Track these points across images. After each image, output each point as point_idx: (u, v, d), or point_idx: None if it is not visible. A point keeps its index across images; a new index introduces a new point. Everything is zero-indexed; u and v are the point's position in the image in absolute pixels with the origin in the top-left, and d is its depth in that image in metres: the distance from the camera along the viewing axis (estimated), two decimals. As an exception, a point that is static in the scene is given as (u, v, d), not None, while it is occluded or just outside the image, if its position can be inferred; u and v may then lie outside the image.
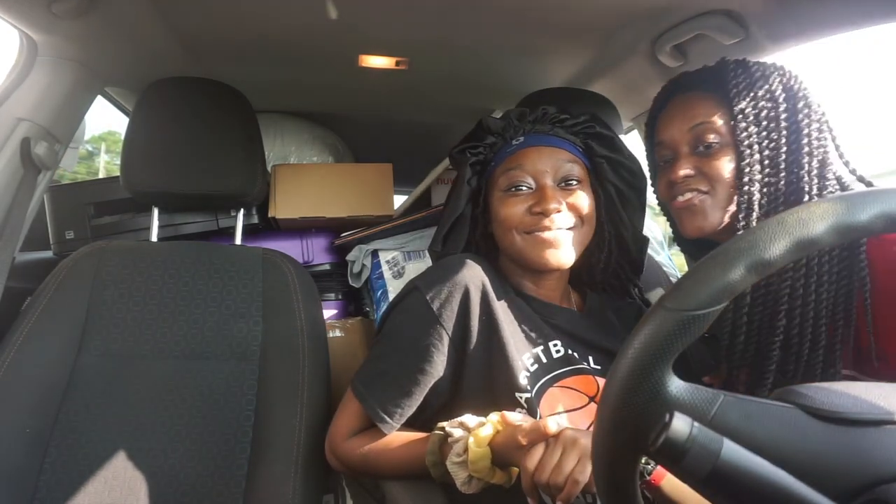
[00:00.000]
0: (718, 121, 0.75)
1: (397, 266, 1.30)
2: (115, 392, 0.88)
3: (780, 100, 0.73)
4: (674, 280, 1.25)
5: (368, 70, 1.23)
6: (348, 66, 1.22)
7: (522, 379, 0.73)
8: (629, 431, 0.39)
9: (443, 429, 0.69)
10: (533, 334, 0.78)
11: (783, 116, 0.72)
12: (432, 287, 0.76)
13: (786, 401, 0.40)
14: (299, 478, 0.84)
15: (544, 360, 0.76)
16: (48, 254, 1.27)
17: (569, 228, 0.78)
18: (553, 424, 0.61)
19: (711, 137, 0.75)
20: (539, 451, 0.60)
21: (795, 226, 0.36)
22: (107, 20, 0.96)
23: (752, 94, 0.73)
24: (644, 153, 0.91)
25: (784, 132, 0.72)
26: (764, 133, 0.72)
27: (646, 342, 0.38)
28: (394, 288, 1.29)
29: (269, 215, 1.31)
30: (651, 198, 0.91)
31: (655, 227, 1.62)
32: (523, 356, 0.75)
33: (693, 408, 0.38)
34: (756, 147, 0.72)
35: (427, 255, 1.31)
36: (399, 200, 1.61)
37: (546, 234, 0.77)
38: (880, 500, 0.35)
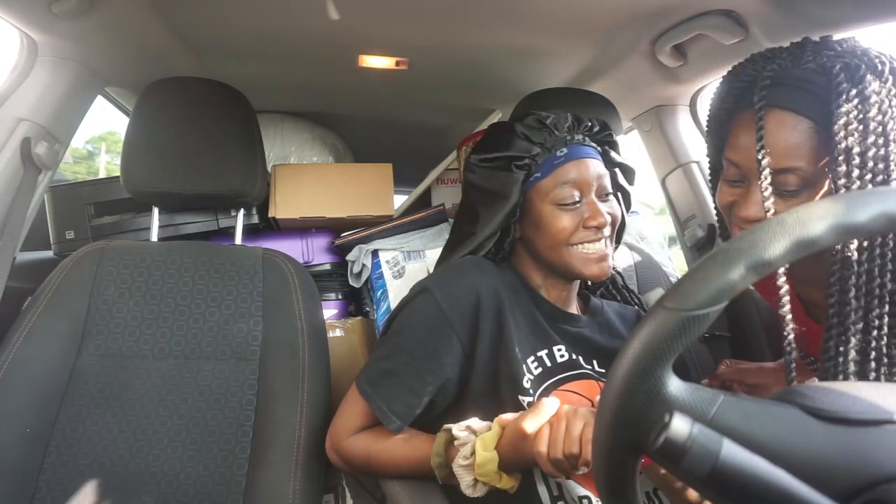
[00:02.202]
0: (809, 163, 0.62)
1: (397, 266, 1.30)
2: (115, 392, 0.88)
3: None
4: (674, 280, 1.25)
5: (368, 70, 1.23)
6: (348, 66, 1.22)
7: (526, 382, 0.73)
8: (629, 431, 0.39)
9: (449, 430, 0.69)
10: (538, 338, 0.78)
11: (893, 155, 0.58)
12: (444, 289, 0.76)
13: (786, 401, 0.40)
14: (299, 478, 0.84)
15: (548, 363, 0.76)
16: (48, 254, 1.27)
17: (608, 238, 0.80)
18: (551, 405, 0.62)
19: (795, 182, 0.62)
20: (545, 431, 0.61)
21: (795, 226, 0.36)
22: (107, 20, 0.96)
23: (861, 125, 0.58)
24: (646, 153, 0.90)
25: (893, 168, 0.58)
26: (869, 177, 0.58)
27: (646, 342, 0.38)
28: (394, 288, 1.29)
29: (269, 215, 1.31)
30: (651, 198, 0.91)
31: (655, 227, 1.62)
32: (528, 359, 0.75)
33: (693, 408, 0.38)
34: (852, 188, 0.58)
35: (427, 255, 1.31)
36: (399, 200, 1.61)
37: (596, 249, 0.78)
38: (881, 500, 0.35)
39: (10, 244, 0.93)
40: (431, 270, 1.29)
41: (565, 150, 0.80)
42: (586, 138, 0.83)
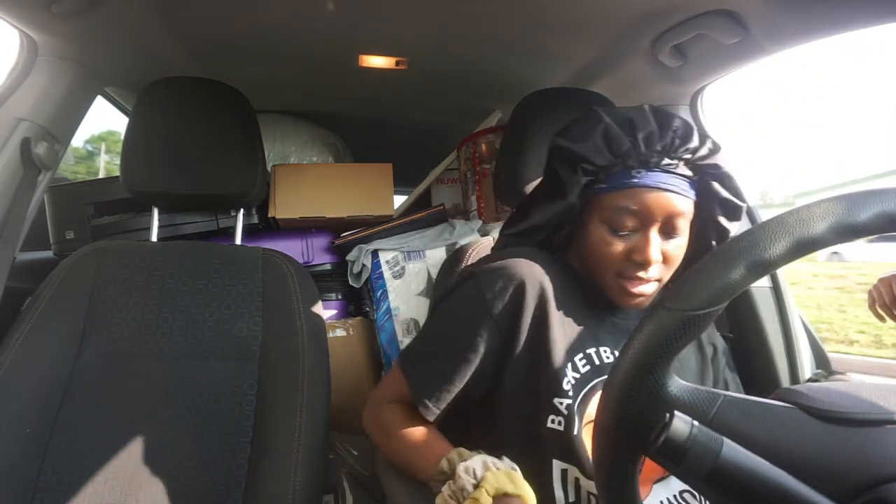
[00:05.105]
0: None
1: (397, 266, 1.30)
2: (114, 392, 0.88)
3: None
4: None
5: (368, 70, 1.23)
6: (348, 66, 1.22)
7: (566, 384, 0.71)
8: (629, 431, 0.39)
9: (454, 461, 0.66)
10: (584, 338, 0.75)
11: None
12: (489, 277, 0.74)
13: (786, 401, 0.40)
14: (299, 478, 0.84)
15: (596, 362, 0.74)
16: (48, 254, 1.27)
17: (657, 279, 0.73)
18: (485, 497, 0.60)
19: None
20: None
21: (795, 226, 0.37)
22: (106, 20, 0.96)
23: None
24: None
25: None
26: None
27: (646, 342, 0.38)
28: (394, 288, 1.29)
29: (269, 215, 1.31)
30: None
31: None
32: (575, 357, 0.73)
33: (693, 407, 0.38)
34: None
35: (427, 255, 1.31)
36: (399, 200, 1.62)
37: (637, 289, 0.72)
38: (881, 500, 0.35)
39: (10, 244, 0.93)
40: (431, 270, 1.30)
41: (643, 174, 0.69)
42: (680, 163, 0.70)
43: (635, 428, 0.38)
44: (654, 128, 0.70)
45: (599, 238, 0.73)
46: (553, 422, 0.70)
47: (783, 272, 1.17)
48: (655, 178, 0.69)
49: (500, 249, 0.83)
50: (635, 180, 0.70)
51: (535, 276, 0.74)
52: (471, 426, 0.77)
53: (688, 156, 0.70)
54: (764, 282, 1.12)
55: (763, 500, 0.35)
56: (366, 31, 1.07)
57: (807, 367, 1.08)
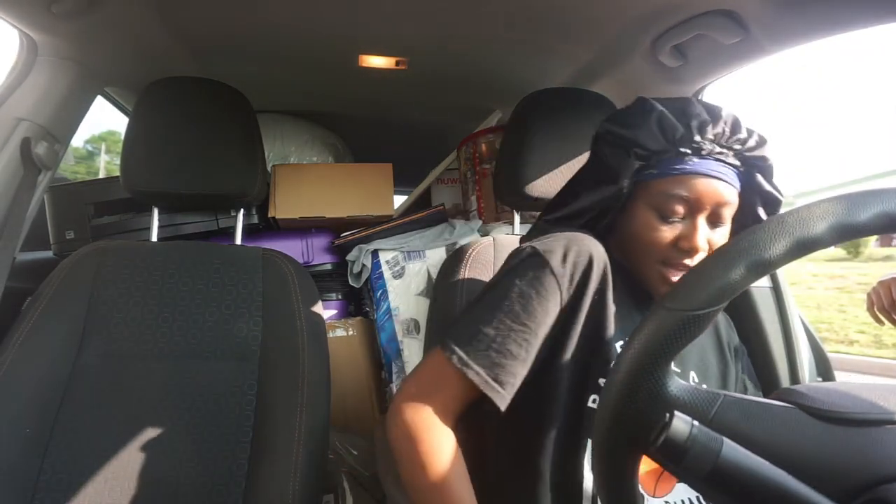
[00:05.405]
0: None
1: (397, 266, 1.30)
2: (114, 392, 0.88)
3: None
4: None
5: (368, 70, 1.24)
6: (348, 66, 1.22)
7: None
8: (630, 431, 0.39)
9: None
10: (629, 324, 0.74)
11: None
12: (555, 253, 0.71)
13: (786, 401, 0.40)
14: (299, 478, 0.84)
15: None
16: (48, 254, 1.27)
17: None
18: None
19: None
20: None
21: (796, 226, 0.37)
22: (106, 20, 0.96)
23: None
24: None
25: None
26: None
27: (646, 342, 0.38)
28: (394, 288, 1.29)
29: (269, 215, 1.31)
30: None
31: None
32: (617, 343, 0.72)
33: (693, 407, 0.38)
34: None
35: (427, 255, 1.31)
36: (399, 200, 1.62)
37: (680, 274, 0.70)
38: (880, 500, 0.35)
39: (10, 244, 0.93)
40: (431, 270, 1.30)
41: (695, 161, 0.70)
42: (730, 153, 0.71)
43: (635, 428, 0.38)
44: (705, 116, 0.70)
45: (646, 223, 0.73)
46: (594, 402, 0.69)
47: (783, 272, 1.17)
48: (707, 165, 0.70)
49: (543, 232, 0.78)
50: (687, 167, 0.70)
51: (600, 253, 0.72)
52: (510, 417, 0.70)
53: (738, 146, 0.71)
54: (764, 282, 1.12)
55: (763, 500, 0.35)
56: (366, 31, 1.07)
57: (807, 368, 1.08)
